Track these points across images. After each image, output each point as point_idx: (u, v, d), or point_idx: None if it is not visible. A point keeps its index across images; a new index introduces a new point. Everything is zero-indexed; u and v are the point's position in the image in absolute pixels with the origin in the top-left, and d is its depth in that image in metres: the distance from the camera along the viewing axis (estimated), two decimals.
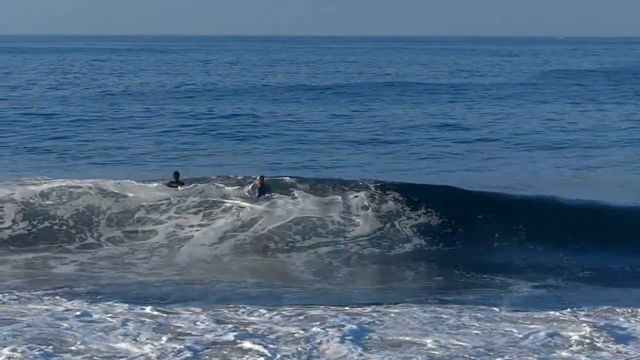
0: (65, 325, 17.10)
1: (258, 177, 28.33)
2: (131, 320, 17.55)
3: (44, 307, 18.69)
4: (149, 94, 71.86)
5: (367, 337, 16.48)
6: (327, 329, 16.84)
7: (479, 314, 18.27)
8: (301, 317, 17.93)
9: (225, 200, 27.26)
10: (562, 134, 48.59)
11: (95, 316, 17.92)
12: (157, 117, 54.48)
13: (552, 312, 18.39)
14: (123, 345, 15.87)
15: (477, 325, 17.41)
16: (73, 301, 19.24)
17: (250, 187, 27.79)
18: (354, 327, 17.07)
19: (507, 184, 31.89)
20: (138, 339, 16.27)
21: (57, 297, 19.79)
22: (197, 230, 26.24)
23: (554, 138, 46.60)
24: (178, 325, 17.22)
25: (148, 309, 18.42)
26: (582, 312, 18.49)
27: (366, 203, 26.75)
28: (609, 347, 16.18)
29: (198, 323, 17.42)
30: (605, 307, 19.02)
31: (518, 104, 65.17)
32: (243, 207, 26.94)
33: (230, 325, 17.14)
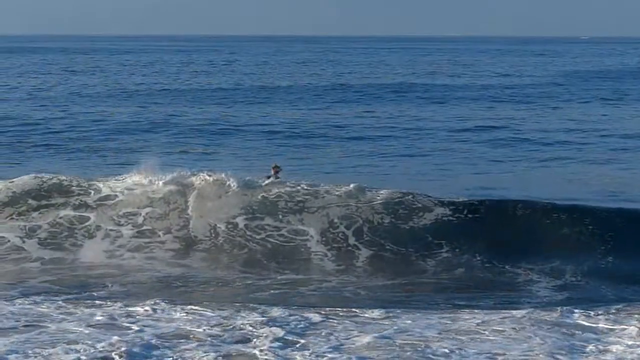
0: (72, 327, 17.15)
1: (273, 166, 26.57)
2: (137, 321, 17.61)
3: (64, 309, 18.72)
4: (185, 93, 71.60)
5: (377, 345, 16.32)
6: (334, 336, 16.76)
7: (495, 317, 18.08)
8: (305, 322, 17.80)
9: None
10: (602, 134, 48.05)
11: (99, 317, 17.99)
12: (189, 117, 54.41)
13: (574, 316, 18.24)
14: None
15: (493, 329, 17.26)
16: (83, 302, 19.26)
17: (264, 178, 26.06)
18: (365, 334, 16.94)
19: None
20: (138, 343, 16.24)
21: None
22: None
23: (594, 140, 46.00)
24: (191, 329, 17.12)
25: (154, 308, 18.51)
26: (600, 313, 18.39)
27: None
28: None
29: (206, 326, 17.33)
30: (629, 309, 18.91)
31: (559, 105, 64.37)
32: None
33: (241, 330, 17.06)
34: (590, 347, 16.28)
